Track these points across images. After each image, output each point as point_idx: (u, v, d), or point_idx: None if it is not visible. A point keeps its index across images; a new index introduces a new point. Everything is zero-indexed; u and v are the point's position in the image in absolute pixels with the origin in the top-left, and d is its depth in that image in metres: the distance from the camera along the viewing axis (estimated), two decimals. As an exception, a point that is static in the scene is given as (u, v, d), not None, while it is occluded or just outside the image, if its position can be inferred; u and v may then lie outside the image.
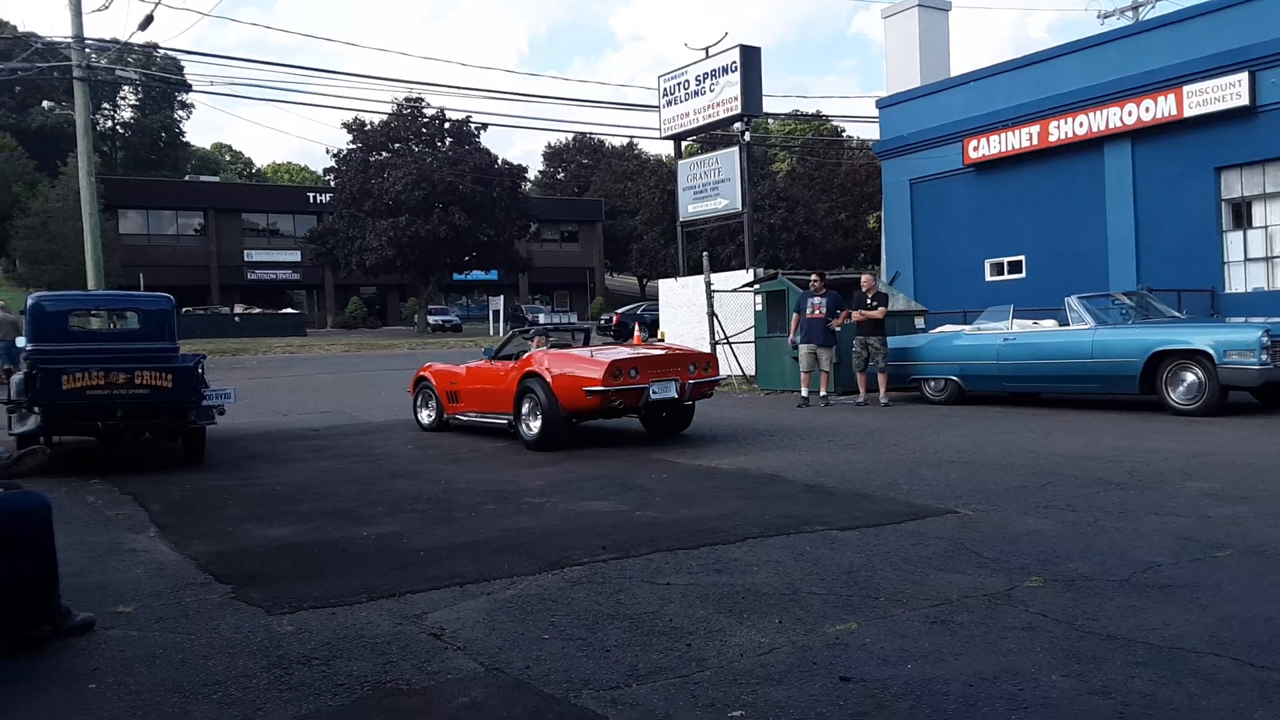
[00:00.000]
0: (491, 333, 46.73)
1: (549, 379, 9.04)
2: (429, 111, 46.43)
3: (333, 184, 48.86)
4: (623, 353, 9.37)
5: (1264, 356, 9.51)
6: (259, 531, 5.75)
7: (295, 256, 55.35)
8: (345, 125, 46.16)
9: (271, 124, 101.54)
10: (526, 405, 9.33)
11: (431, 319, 50.08)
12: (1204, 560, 4.42)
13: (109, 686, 3.23)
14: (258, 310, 48.32)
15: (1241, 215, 16.50)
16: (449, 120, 46.64)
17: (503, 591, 4.25)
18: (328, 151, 48.15)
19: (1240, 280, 16.47)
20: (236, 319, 44.31)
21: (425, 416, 11.35)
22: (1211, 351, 9.81)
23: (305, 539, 5.49)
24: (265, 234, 57.52)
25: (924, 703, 2.89)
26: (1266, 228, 16.15)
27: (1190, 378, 10.05)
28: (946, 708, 2.85)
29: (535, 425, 9.19)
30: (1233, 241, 16.59)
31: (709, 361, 9.79)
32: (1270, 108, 15.57)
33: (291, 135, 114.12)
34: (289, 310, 50.52)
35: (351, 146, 46.50)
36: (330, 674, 3.28)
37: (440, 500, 6.61)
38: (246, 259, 55.71)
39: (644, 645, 3.49)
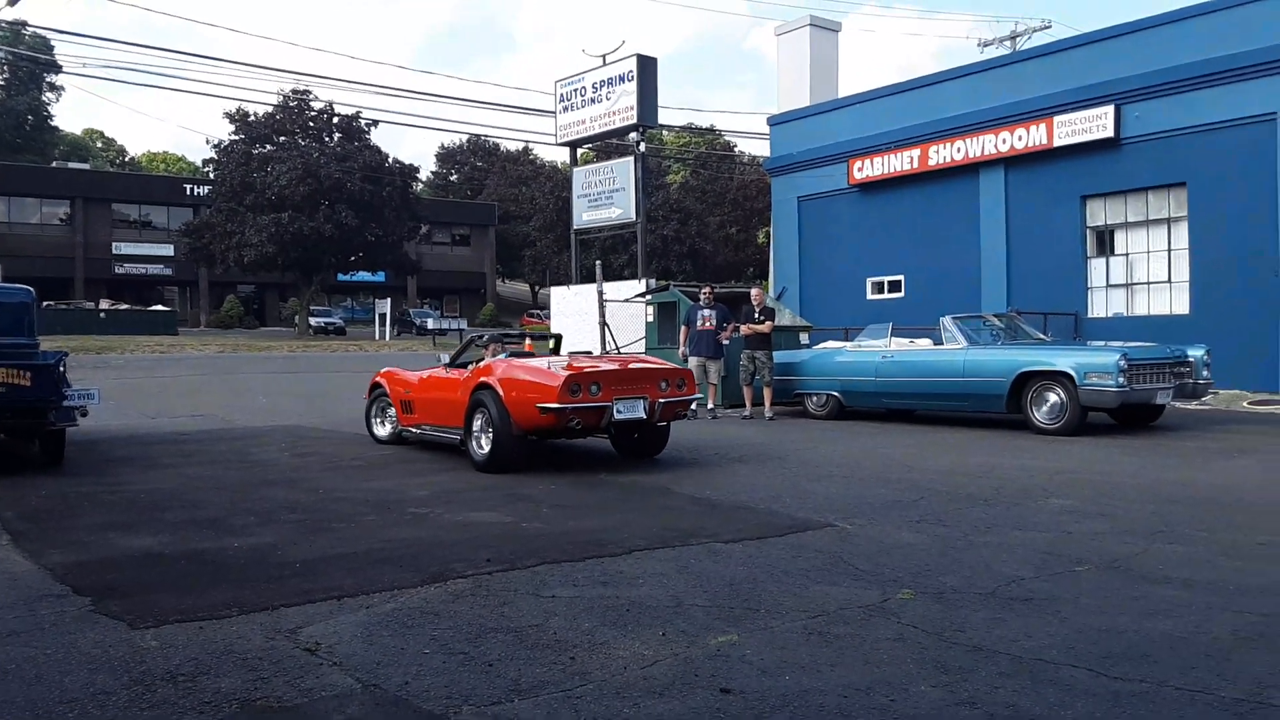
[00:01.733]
0: (377, 336, 45.78)
1: (500, 392, 8.06)
2: (316, 105, 45.27)
3: (212, 175, 47.11)
4: (584, 365, 8.31)
5: (1121, 379, 10.08)
6: (122, 541, 5.48)
7: (168, 250, 53.09)
8: (227, 115, 44.58)
9: (148, 111, 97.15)
10: (478, 421, 8.31)
11: (314, 320, 48.76)
12: (1064, 574, 4.65)
13: (-50, 708, 3.02)
14: (125, 306, 46.19)
15: (1105, 243, 17.50)
16: (338, 115, 45.57)
17: (382, 605, 4.16)
18: (208, 142, 46.31)
19: (1102, 305, 17.45)
20: (102, 315, 42.21)
21: (380, 428, 10.31)
22: (1073, 373, 10.34)
23: (172, 549, 5.25)
24: (137, 226, 55.02)
25: (800, 714, 2.95)
26: (1127, 255, 17.16)
27: (1053, 398, 10.58)
28: (822, 719, 2.92)
29: (486, 444, 8.20)
30: (1096, 268, 17.57)
31: (683, 378, 8.66)
32: (1133, 140, 16.57)
33: (169, 123, 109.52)
34: (160, 307, 48.46)
35: (233, 137, 44.90)
36: (196, 691, 3.14)
37: (318, 510, 6.42)
38: (115, 251, 53.21)
39: (527, 659, 3.46)
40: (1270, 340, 14.52)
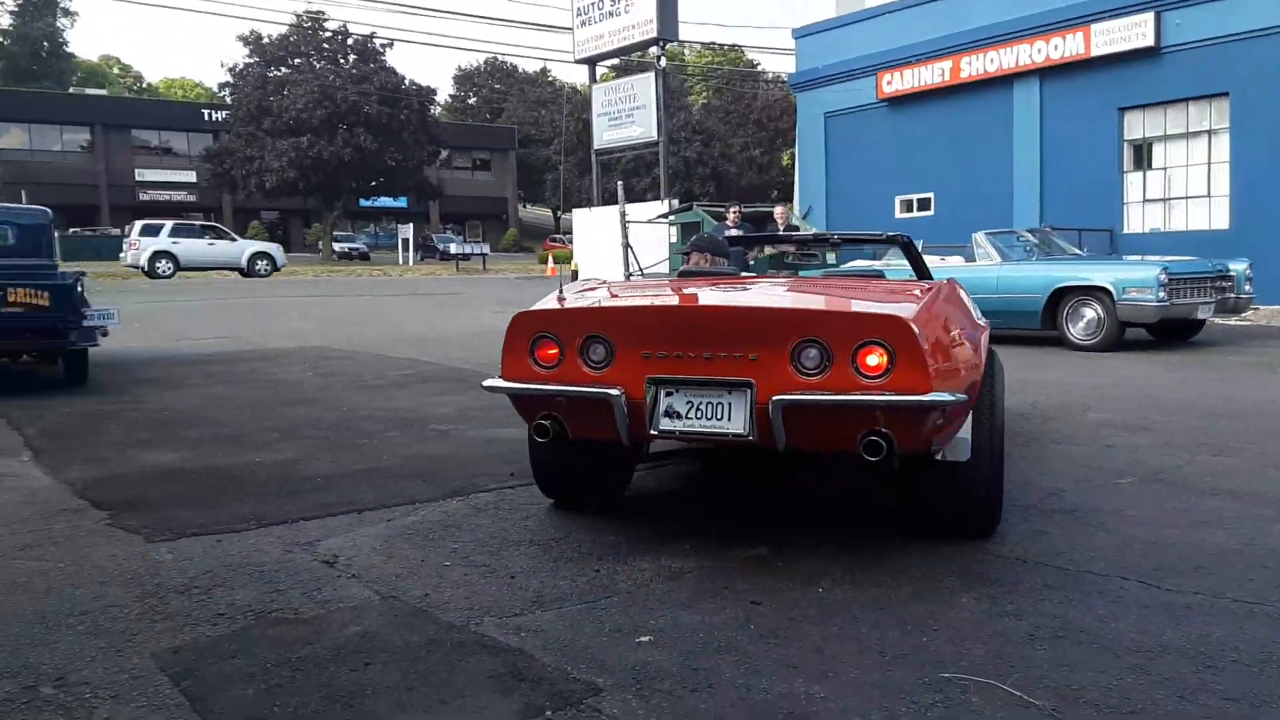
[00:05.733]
0: (400, 262, 45.62)
1: None
2: (331, 25, 44.48)
3: (229, 100, 46.67)
4: (583, 298, 3.92)
5: (1161, 294, 9.79)
6: (142, 457, 5.41)
7: (190, 177, 52.91)
8: (241, 39, 43.96)
9: (164, 35, 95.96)
10: None
11: (337, 246, 48.66)
12: (1106, 487, 4.49)
13: (-38, 619, 2.95)
14: (151, 233, 46.18)
15: (1142, 156, 16.94)
16: (353, 35, 44.79)
17: (403, 518, 4.07)
18: (222, 65, 45.87)
19: (1138, 221, 16.98)
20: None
21: None
22: (1111, 288, 10.05)
23: (192, 465, 5.18)
24: (158, 152, 54.73)
25: (806, 620, 2.83)
26: (1165, 169, 16.63)
27: (1090, 314, 10.31)
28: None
29: None
30: (1132, 182, 17.05)
31: (887, 335, 3.09)
32: (1174, 49, 15.91)
33: (185, 49, 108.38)
34: (184, 234, 48.40)
35: (248, 61, 44.32)
36: (210, 603, 3.06)
37: (341, 427, 6.34)
38: (138, 179, 53.03)
39: (550, 571, 3.36)
40: (1314, 255, 14.08)
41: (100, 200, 51.57)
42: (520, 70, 70.63)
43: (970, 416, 3.40)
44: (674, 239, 16.06)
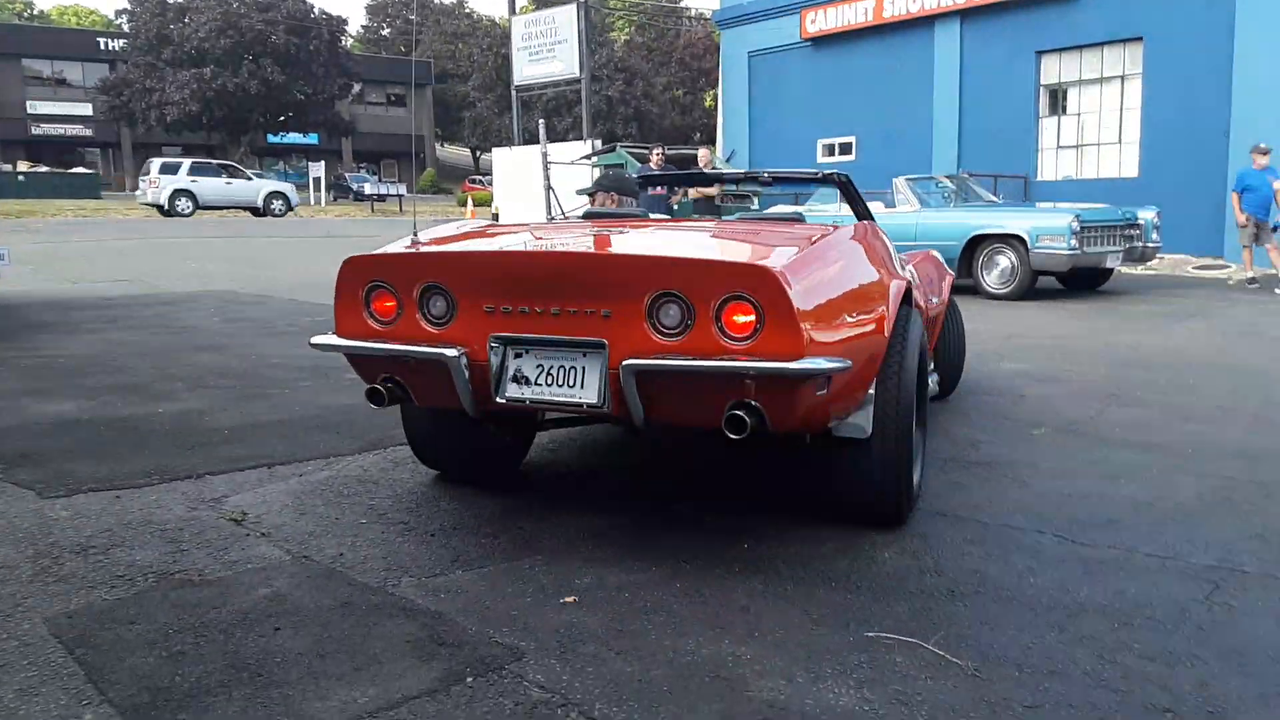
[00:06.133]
0: (311, 202, 44.18)
1: None
2: (237, -50, 42.36)
3: (126, 28, 44.28)
4: (433, 242, 3.38)
5: (1073, 241, 10.01)
6: (37, 407, 5.12)
7: (86, 109, 50.17)
8: (140, -40, 41.61)
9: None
10: None
11: (244, 183, 46.82)
12: (1021, 438, 4.57)
13: None
14: (45, 169, 43.85)
15: (1057, 101, 17.20)
16: (260, -39, 42.75)
17: (317, 473, 3.92)
18: (120, -10, 43.48)
19: (1052, 167, 17.29)
20: (20, 178, 40.10)
21: None
22: (1026, 236, 10.24)
23: (91, 415, 4.92)
24: (50, 83, 51.70)
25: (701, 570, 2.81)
26: (1079, 115, 16.91)
27: (1004, 262, 10.50)
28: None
29: None
30: (1047, 128, 17.33)
31: (764, 286, 2.57)
32: (1092, -7, 16.07)
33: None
34: (81, 170, 46.11)
35: (148, -15, 42.03)
36: (108, 564, 2.90)
37: (250, 375, 6.10)
38: (30, 111, 50.11)
39: (473, 529, 3.28)
40: (1216, 203, 14.53)
41: (-13, 132, 48.67)
42: (436, 1, 68.43)
43: (875, 384, 3.01)
44: (596, 181, 15.82)
